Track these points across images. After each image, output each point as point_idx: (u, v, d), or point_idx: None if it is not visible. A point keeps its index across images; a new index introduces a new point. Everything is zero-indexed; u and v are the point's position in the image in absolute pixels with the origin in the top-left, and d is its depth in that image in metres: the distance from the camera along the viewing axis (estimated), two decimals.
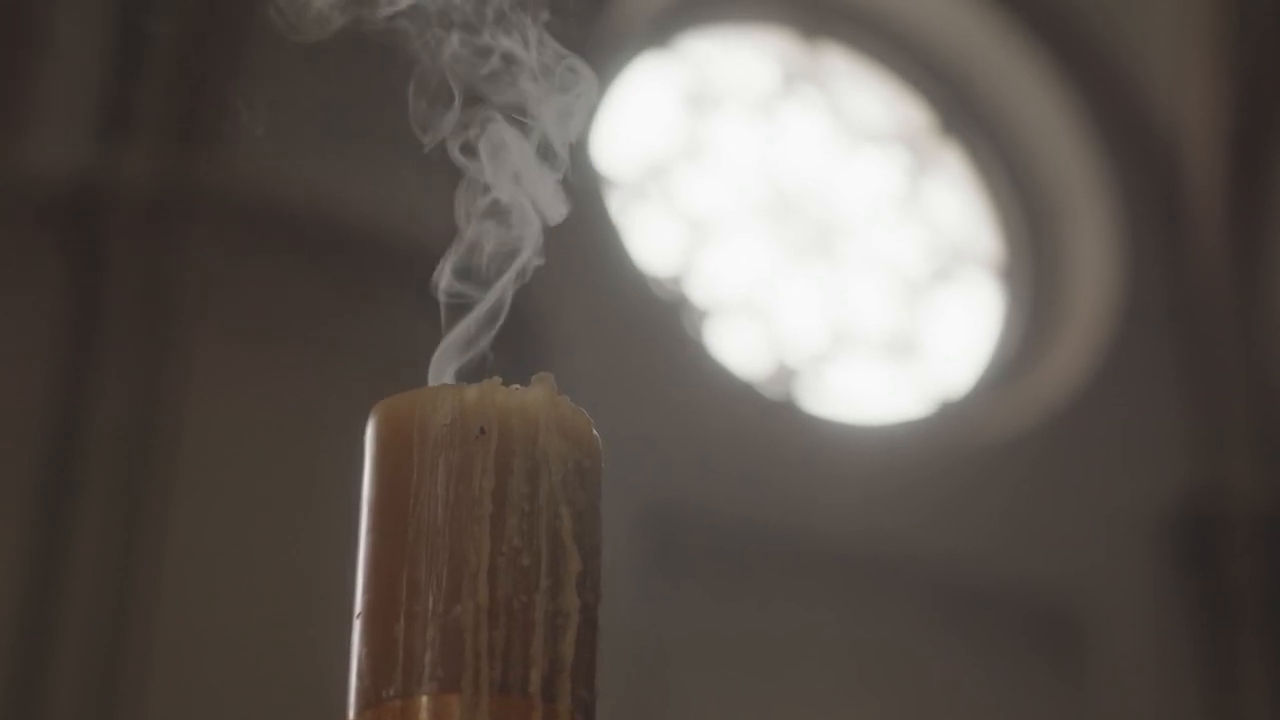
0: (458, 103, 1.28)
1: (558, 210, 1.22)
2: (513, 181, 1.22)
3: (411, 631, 1.05)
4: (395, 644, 1.05)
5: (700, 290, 7.17)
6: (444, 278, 1.21)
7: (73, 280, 5.70)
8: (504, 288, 1.20)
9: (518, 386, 1.10)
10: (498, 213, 1.22)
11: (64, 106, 5.90)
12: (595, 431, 1.11)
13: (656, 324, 6.77)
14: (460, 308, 1.19)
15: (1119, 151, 7.71)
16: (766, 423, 6.78)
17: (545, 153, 1.24)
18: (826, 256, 7.47)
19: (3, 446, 5.55)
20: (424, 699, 1.04)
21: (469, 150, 1.26)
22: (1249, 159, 7.61)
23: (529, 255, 1.21)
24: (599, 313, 6.43)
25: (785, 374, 7.21)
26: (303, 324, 5.75)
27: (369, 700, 1.05)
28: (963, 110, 7.80)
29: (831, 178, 7.58)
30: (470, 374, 1.13)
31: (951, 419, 7.26)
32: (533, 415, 1.08)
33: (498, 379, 1.10)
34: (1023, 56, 7.76)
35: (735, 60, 7.55)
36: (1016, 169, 7.79)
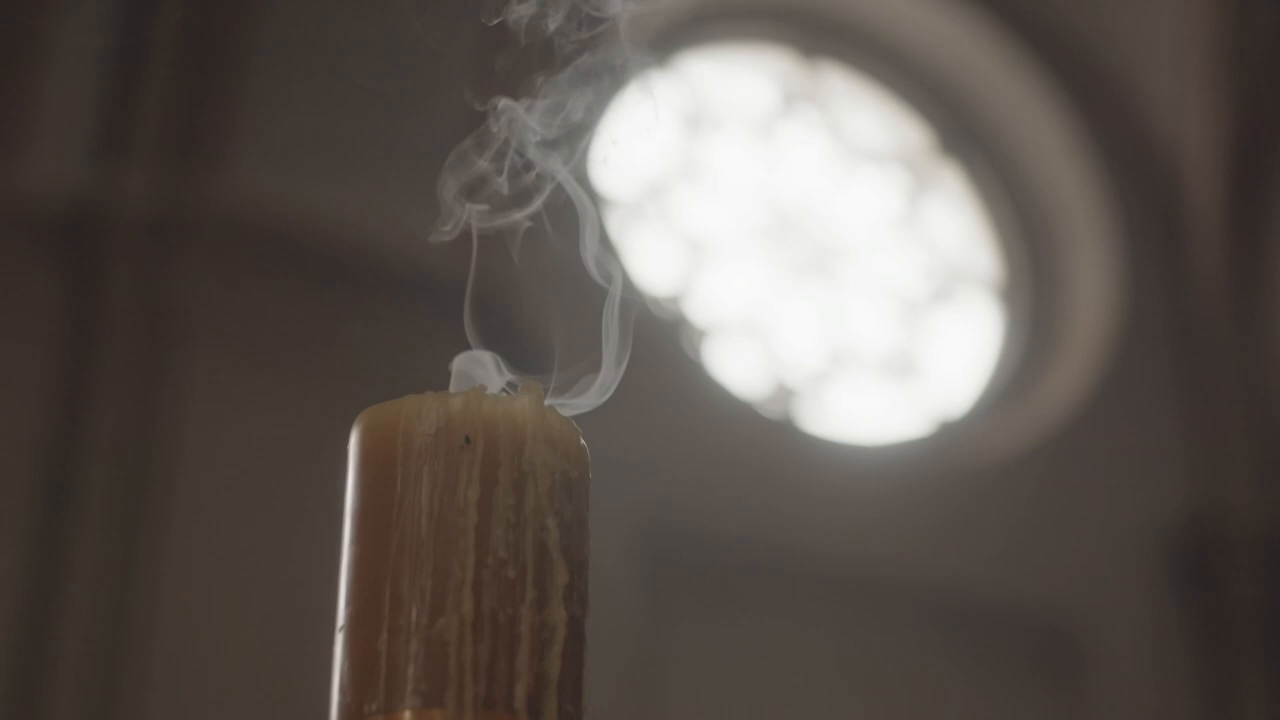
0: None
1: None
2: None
3: (395, 645, 1.03)
4: (378, 657, 1.03)
5: (699, 310, 7.16)
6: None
7: (70, 299, 5.69)
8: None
9: (505, 395, 1.08)
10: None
11: (63, 126, 5.89)
12: (583, 442, 1.09)
13: (656, 344, 6.76)
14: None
15: (1118, 172, 7.71)
16: (766, 443, 6.77)
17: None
18: (825, 276, 7.46)
19: None
20: (407, 714, 1.02)
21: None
22: (1248, 180, 7.61)
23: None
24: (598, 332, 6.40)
25: (784, 394, 7.20)
26: (299, 345, 5.73)
27: (351, 715, 1.03)
28: (962, 130, 7.79)
29: (830, 198, 7.57)
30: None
31: (951, 439, 7.25)
32: (519, 425, 1.07)
33: (483, 387, 1.08)
34: (1022, 77, 7.75)
35: (734, 80, 7.55)
36: (1016, 189, 7.78)
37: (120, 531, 5.45)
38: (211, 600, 5.44)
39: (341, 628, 1.05)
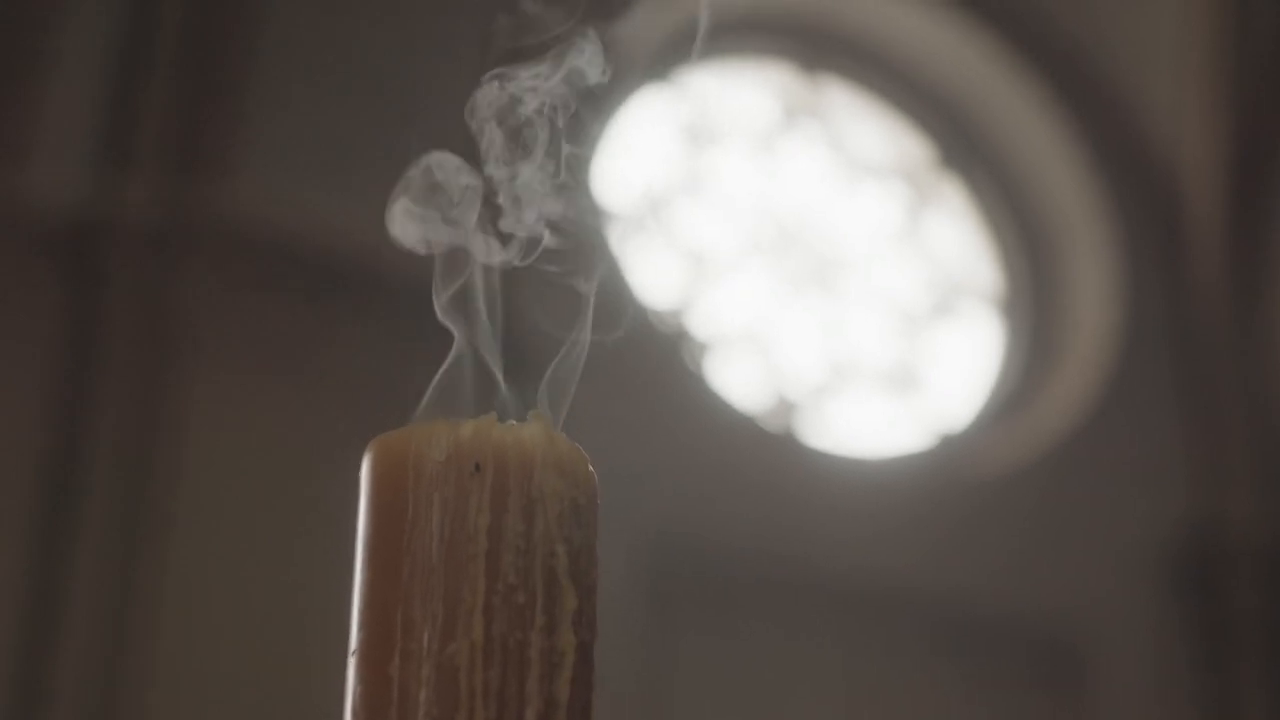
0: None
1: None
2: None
3: (406, 670, 1.04)
4: (390, 682, 1.04)
5: (700, 323, 7.17)
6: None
7: (72, 309, 5.70)
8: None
9: (514, 422, 1.10)
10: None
11: (65, 135, 5.90)
12: (592, 468, 1.10)
13: (657, 357, 6.77)
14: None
15: (1119, 183, 7.72)
16: (767, 456, 6.77)
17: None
18: (826, 290, 7.47)
19: (0, 474, 5.54)
20: None
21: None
22: (1248, 190, 7.62)
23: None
24: (598, 346, 6.41)
25: (785, 407, 7.20)
26: (302, 355, 5.74)
27: None
28: (962, 143, 7.81)
29: (831, 211, 7.59)
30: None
31: (952, 452, 7.25)
32: (529, 452, 1.08)
33: (493, 415, 1.10)
34: (1022, 89, 7.77)
35: (735, 94, 7.56)
36: (1016, 202, 7.79)
37: (122, 535, 5.46)
38: (213, 603, 5.44)
39: (354, 652, 1.07)
